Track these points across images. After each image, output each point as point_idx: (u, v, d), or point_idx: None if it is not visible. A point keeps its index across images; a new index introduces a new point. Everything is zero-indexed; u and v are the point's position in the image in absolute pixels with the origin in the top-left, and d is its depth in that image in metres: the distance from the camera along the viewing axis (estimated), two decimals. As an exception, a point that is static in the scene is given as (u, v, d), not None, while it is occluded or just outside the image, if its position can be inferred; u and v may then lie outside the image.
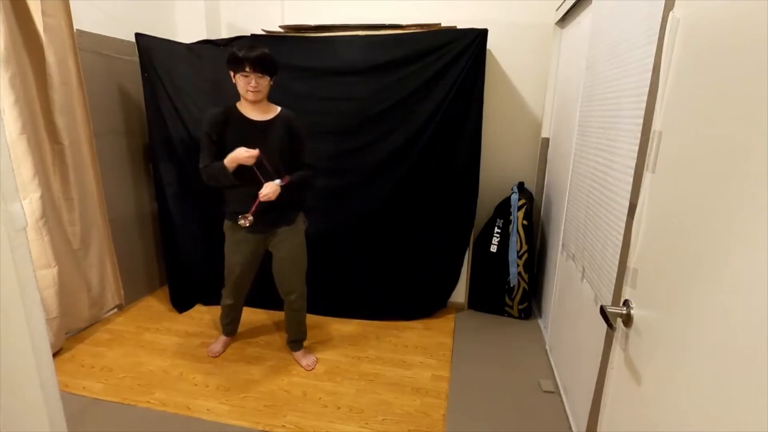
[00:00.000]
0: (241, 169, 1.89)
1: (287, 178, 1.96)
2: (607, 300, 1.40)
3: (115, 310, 2.77)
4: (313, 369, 2.24)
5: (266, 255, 2.17)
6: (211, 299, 2.77)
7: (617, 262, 1.29)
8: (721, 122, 0.71)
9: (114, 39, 2.62)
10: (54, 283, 2.21)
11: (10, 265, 0.95)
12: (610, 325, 1.03)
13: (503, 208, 2.74)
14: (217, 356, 2.32)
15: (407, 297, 2.75)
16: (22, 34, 2.09)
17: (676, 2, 0.94)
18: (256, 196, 1.92)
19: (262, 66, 1.86)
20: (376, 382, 2.15)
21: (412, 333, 2.61)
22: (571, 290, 1.97)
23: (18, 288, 0.97)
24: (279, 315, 2.43)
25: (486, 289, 2.80)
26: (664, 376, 0.84)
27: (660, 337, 0.86)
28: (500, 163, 2.94)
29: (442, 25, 2.54)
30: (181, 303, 2.83)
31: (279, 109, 2.02)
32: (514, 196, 2.69)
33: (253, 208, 1.93)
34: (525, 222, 2.66)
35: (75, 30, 2.29)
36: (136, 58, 2.56)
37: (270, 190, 1.91)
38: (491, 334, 2.60)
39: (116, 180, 2.73)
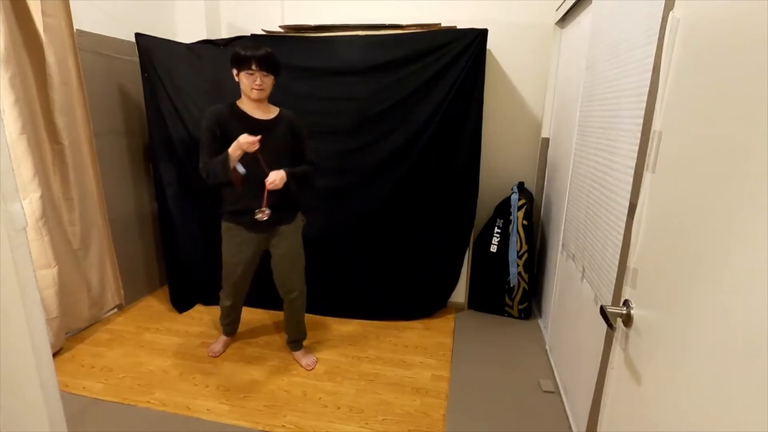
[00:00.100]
0: (242, 162, 1.88)
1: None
2: (607, 300, 1.40)
3: (115, 310, 2.77)
4: (313, 369, 2.24)
5: (264, 254, 2.17)
6: (211, 299, 2.77)
7: (617, 262, 1.29)
8: (721, 122, 0.71)
9: (114, 39, 2.62)
10: (54, 283, 2.21)
11: (10, 265, 0.95)
12: (610, 325, 1.03)
13: (503, 208, 2.74)
14: (217, 356, 2.32)
15: (407, 297, 2.75)
16: (22, 34, 2.09)
17: (676, 2, 0.94)
18: (255, 194, 1.92)
19: (267, 64, 1.88)
20: (376, 382, 2.16)
21: (412, 333, 2.61)
22: (571, 290, 1.97)
23: (18, 288, 0.97)
24: (279, 315, 2.43)
25: (486, 289, 2.80)
26: (664, 376, 0.84)
27: (660, 337, 0.86)
28: (500, 163, 2.94)
29: (442, 25, 2.54)
30: (181, 303, 2.83)
31: (278, 109, 2.02)
32: (514, 196, 2.69)
33: (265, 201, 1.92)
34: (525, 222, 2.66)
35: (75, 30, 2.29)
36: (136, 58, 2.56)
37: (277, 177, 1.90)
38: (491, 334, 2.60)
39: (116, 180, 2.73)
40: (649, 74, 1.14)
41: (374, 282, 2.74)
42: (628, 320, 1.00)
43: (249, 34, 2.68)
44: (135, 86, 2.69)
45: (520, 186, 2.79)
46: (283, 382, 2.14)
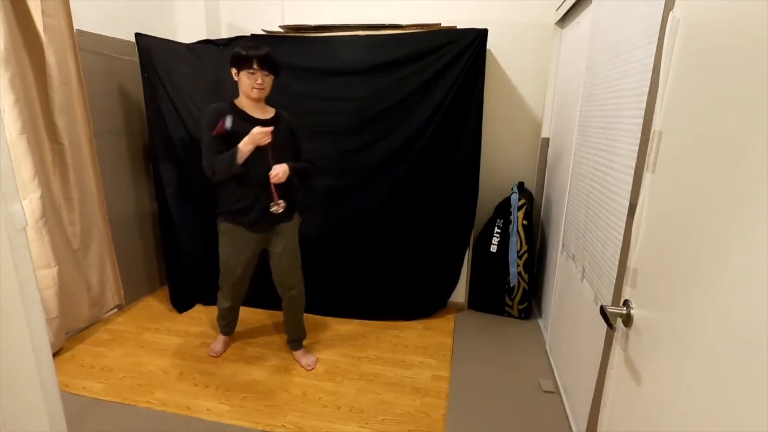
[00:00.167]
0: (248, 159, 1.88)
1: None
2: (607, 300, 1.40)
3: (115, 310, 2.77)
4: (313, 369, 2.24)
5: (260, 254, 2.17)
6: (211, 299, 2.77)
7: (617, 262, 1.29)
8: (721, 122, 0.71)
9: (114, 39, 2.62)
10: (54, 283, 2.21)
11: (10, 265, 0.95)
12: (610, 325, 1.03)
13: (503, 208, 2.74)
14: (218, 356, 2.32)
15: (407, 297, 2.75)
16: (22, 34, 2.09)
17: (676, 2, 0.94)
18: (257, 194, 1.94)
19: (268, 64, 1.89)
20: (376, 382, 2.16)
21: (412, 333, 2.61)
22: (571, 290, 1.97)
23: (18, 288, 0.97)
24: (279, 315, 2.42)
25: (486, 289, 2.80)
26: (664, 376, 0.84)
27: (660, 337, 0.86)
28: (500, 163, 2.94)
29: (442, 25, 2.54)
30: (181, 303, 2.83)
31: (274, 109, 2.04)
32: (514, 196, 2.69)
33: (275, 193, 1.94)
34: (525, 222, 2.66)
35: (75, 30, 2.29)
36: (136, 58, 2.56)
37: (280, 170, 1.91)
38: (491, 334, 2.60)
39: (116, 180, 2.73)
40: (649, 74, 1.14)
41: (374, 282, 2.74)
42: (628, 320, 1.00)
43: (249, 34, 2.68)
44: (135, 86, 2.69)
45: (520, 186, 2.79)
46: (283, 382, 2.14)
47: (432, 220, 2.65)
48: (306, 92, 2.54)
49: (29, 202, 2.08)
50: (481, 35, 2.39)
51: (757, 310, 0.59)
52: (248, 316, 2.75)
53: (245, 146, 1.84)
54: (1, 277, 0.95)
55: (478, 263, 2.81)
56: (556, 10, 2.58)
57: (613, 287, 1.24)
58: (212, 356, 2.32)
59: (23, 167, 2.05)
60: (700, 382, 0.72)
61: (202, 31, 2.94)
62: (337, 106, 2.54)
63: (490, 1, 2.74)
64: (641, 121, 1.18)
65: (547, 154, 2.79)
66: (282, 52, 2.54)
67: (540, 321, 2.72)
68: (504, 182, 2.89)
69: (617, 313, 1.02)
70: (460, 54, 2.40)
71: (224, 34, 3.01)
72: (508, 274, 2.69)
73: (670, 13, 0.93)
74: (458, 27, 2.47)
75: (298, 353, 2.31)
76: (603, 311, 1.02)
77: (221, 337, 2.38)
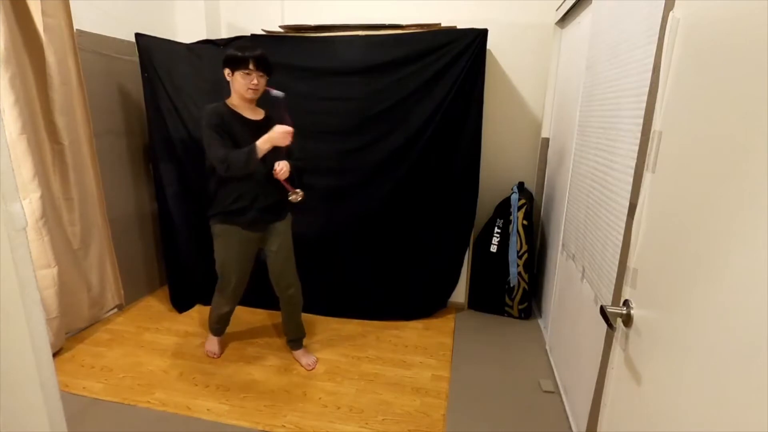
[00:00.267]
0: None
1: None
2: (607, 300, 1.40)
3: (115, 310, 2.77)
4: (313, 368, 2.24)
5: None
6: (211, 299, 2.76)
7: (617, 262, 1.29)
8: (721, 122, 0.71)
9: (114, 39, 2.62)
10: (54, 283, 2.21)
11: (10, 265, 0.95)
12: (610, 325, 1.03)
13: (503, 208, 2.74)
14: (217, 356, 2.32)
15: (407, 297, 2.75)
16: (22, 34, 2.09)
17: (676, 2, 0.94)
18: (257, 193, 1.96)
19: (263, 65, 1.90)
20: (376, 382, 2.16)
21: (412, 333, 2.61)
22: (571, 290, 1.97)
23: (18, 288, 0.97)
24: (278, 315, 2.42)
25: (486, 289, 2.80)
26: (664, 376, 0.84)
27: (660, 337, 0.86)
28: (500, 163, 2.94)
29: (442, 25, 2.54)
30: (181, 303, 2.83)
31: (263, 110, 2.04)
32: (514, 196, 2.69)
33: (288, 185, 1.99)
34: (525, 222, 2.66)
35: (75, 30, 2.29)
36: (136, 58, 2.56)
37: (283, 165, 1.93)
38: (491, 334, 2.60)
39: (116, 180, 2.73)
40: (649, 74, 1.14)
41: (374, 282, 2.74)
42: (628, 320, 1.00)
43: (249, 34, 2.68)
44: (135, 86, 2.69)
45: (520, 186, 2.79)
46: (283, 382, 2.14)
47: (432, 220, 2.65)
48: (306, 92, 2.54)
49: (29, 202, 2.08)
50: (481, 35, 2.39)
51: (757, 310, 0.59)
52: (248, 316, 2.75)
53: (264, 144, 1.84)
54: (1, 277, 0.95)
55: (478, 263, 2.81)
56: (556, 10, 2.58)
57: (613, 287, 1.24)
58: (212, 357, 2.31)
59: (23, 167, 2.05)
60: (700, 382, 0.72)
61: (202, 31, 2.94)
62: (337, 106, 2.54)
63: (490, 1, 2.74)
64: (641, 121, 1.18)
65: (547, 154, 2.79)
66: (282, 52, 2.55)
67: (540, 321, 2.72)
68: (504, 182, 2.89)
69: (617, 313, 1.02)
70: (460, 54, 2.40)
71: (224, 34, 3.01)
72: (508, 274, 2.69)
73: (670, 13, 0.93)
74: (458, 27, 2.47)
75: (298, 353, 2.31)
76: (603, 311, 1.02)
77: (215, 338, 2.36)
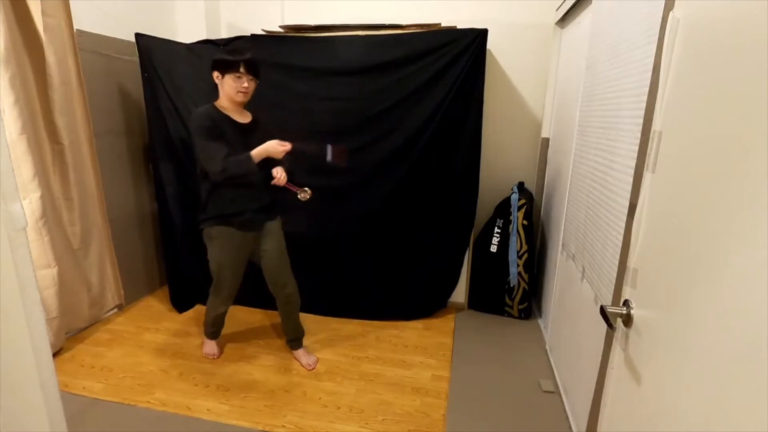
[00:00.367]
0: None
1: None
2: (607, 300, 1.40)
3: (115, 310, 2.77)
4: (314, 368, 2.24)
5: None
6: (211, 299, 2.77)
7: (617, 262, 1.29)
8: (721, 122, 0.71)
9: (114, 39, 2.62)
10: (54, 283, 2.21)
11: (10, 265, 0.95)
12: (610, 325, 1.03)
13: (503, 208, 2.74)
14: (217, 357, 2.32)
15: (407, 297, 2.75)
16: (22, 34, 2.09)
17: (676, 2, 0.94)
18: (253, 196, 1.99)
19: (254, 69, 1.92)
20: (376, 382, 2.16)
21: (412, 333, 2.61)
22: (571, 290, 1.97)
23: (18, 288, 0.97)
24: (278, 315, 2.42)
25: (486, 289, 2.80)
26: (664, 376, 0.84)
27: (660, 337, 0.86)
28: (500, 163, 2.94)
29: (442, 25, 2.54)
30: (181, 303, 2.83)
31: (251, 114, 2.05)
32: (514, 196, 2.69)
33: (293, 187, 2.02)
34: (525, 222, 2.66)
35: (75, 30, 2.29)
36: (136, 58, 2.56)
37: (280, 171, 1.98)
38: (491, 334, 2.60)
39: (116, 180, 2.73)
40: (649, 74, 1.14)
41: (374, 282, 2.74)
42: (628, 320, 1.00)
43: (249, 34, 2.68)
44: (135, 86, 2.69)
45: (520, 186, 2.79)
46: (283, 382, 2.14)
47: (432, 220, 2.65)
48: (306, 92, 2.54)
49: (29, 202, 2.08)
50: (481, 35, 2.39)
51: (757, 310, 0.59)
52: (247, 316, 2.75)
53: (258, 156, 1.88)
54: (1, 277, 0.95)
55: (478, 263, 2.81)
56: (556, 10, 2.58)
57: (613, 287, 1.24)
58: (211, 359, 2.31)
59: (23, 167, 2.05)
60: (700, 382, 0.72)
61: (202, 31, 2.94)
62: (337, 106, 2.54)
63: (490, 1, 2.74)
64: (641, 121, 1.18)
65: (547, 154, 2.79)
66: (282, 52, 2.56)
67: (540, 321, 2.72)
68: (504, 182, 2.89)
69: (617, 313, 1.02)
70: (460, 54, 2.40)
71: (224, 34, 3.01)
72: (508, 274, 2.69)
73: (670, 13, 0.93)
74: (458, 27, 2.47)
75: (298, 352, 2.31)
76: (603, 311, 1.02)
77: (211, 341, 2.36)
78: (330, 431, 1.84)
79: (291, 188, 2.02)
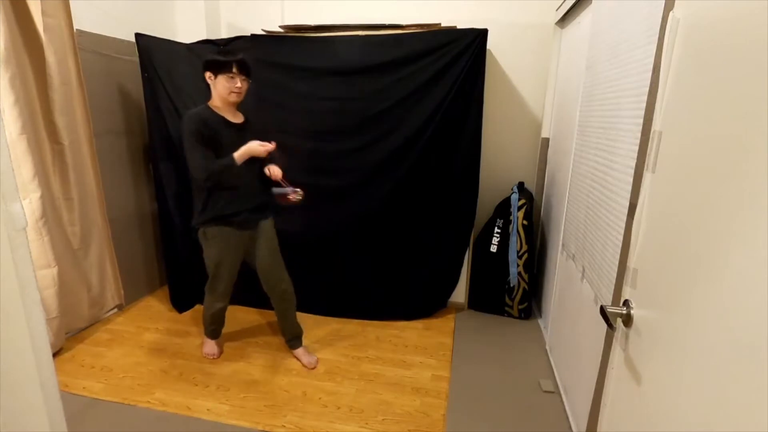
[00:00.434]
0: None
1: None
2: (607, 300, 1.40)
3: (115, 310, 2.77)
4: (315, 368, 2.24)
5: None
6: (211, 299, 2.77)
7: (617, 262, 1.29)
8: (721, 122, 0.71)
9: (114, 39, 2.62)
10: (54, 283, 2.21)
11: (10, 265, 0.95)
12: (610, 325, 1.03)
13: (503, 208, 2.74)
14: (217, 357, 2.32)
15: (407, 297, 2.75)
16: (22, 34, 2.09)
17: (676, 2, 0.94)
18: (248, 196, 2.02)
19: (246, 69, 1.94)
20: (376, 382, 2.16)
21: (412, 333, 2.61)
22: (571, 290, 1.97)
23: (18, 288, 0.97)
24: (279, 315, 2.42)
25: (486, 289, 2.80)
26: (664, 376, 0.84)
27: (660, 337, 0.86)
28: (500, 163, 2.94)
29: (442, 25, 2.54)
30: (181, 303, 2.83)
31: (242, 114, 2.07)
32: (514, 196, 2.69)
33: (288, 184, 2.05)
34: (525, 222, 2.66)
35: (75, 30, 2.29)
36: (136, 58, 2.56)
37: (276, 169, 2.03)
38: (491, 334, 2.60)
39: (116, 180, 2.73)
40: (649, 74, 1.14)
41: (374, 282, 2.74)
42: (628, 320, 1.00)
43: (249, 34, 2.68)
44: (135, 86, 2.69)
45: (520, 186, 2.79)
46: (283, 382, 2.14)
47: (432, 220, 2.65)
48: (306, 92, 2.54)
49: (29, 202, 2.08)
50: (481, 35, 2.39)
51: (757, 310, 0.59)
52: (247, 316, 2.75)
53: (241, 157, 1.92)
54: (1, 277, 0.95)
55: (478, 263, 2.81)
56: (556, 10, 2.58)
57: (613, 287, 1.24)
58: (211, 358, 2.31)
59: (23, 167, 2.05)
60: (700, 382, 0.72)
61: (202, 31, 2.94)
62: (337, 106, 2.54)
63: (490, 1, 2.74)
64: (641, 121, 1.18)
65: (547, 154, 2.79)
66: (282, 52, 2.56)
67: (540, 321, 2.72)
68: (504, 182, 2.89)
69: (617, 313, 1.02)
70: (460, 54, 2.40)
71: (224, 34, 3.01)
72: (508, 274, 2.69)
73: (670, 13, 0.93)
74: (458, 27, 2.46)
75: (298, 352, 2.31)
76: (603, 311, 1.02)
77: (211, 341, 2.36)
78: (330, 431, 1.84)
79: (284, 184, 2.04)
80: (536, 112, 2.86)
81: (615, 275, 1.25)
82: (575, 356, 1.83)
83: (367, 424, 1.88)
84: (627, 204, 1.24)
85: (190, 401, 1.99)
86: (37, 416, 1.06)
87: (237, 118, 2.03)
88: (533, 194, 2.85)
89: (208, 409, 1.94)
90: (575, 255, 1.94)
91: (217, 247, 2.06)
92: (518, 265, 2.67)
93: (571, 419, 1.85)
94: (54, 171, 2.30)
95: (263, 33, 2.71)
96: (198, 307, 2.86)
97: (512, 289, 2.71)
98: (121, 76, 2.70)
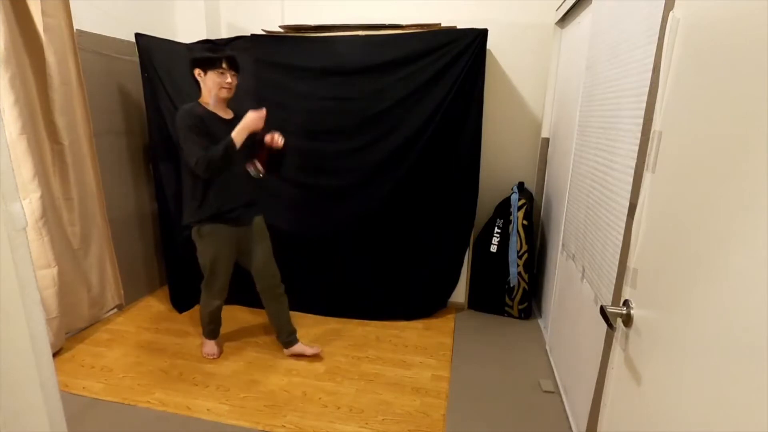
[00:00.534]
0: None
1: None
2: (607, 300, 1.40)
3: (115, 310, 2.77)
4: (321, 351, 2.31)
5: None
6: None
7: (617, 262, 1.29)
8: (721, 122, 0.71)
9: (114, 39, 2.62)
10: (54, 283, 2.21)
11: (10, 265, 0.95)
12: (610, 325, 1.03)
13: (503, 208, 2.74)
14: (217, 357, 2.32)
15: (407, 297, 2.75)
16: (22, 34, 2.09)
17: (676, 2, 0.94)
18: (242, 192, 2.04)
19: (235, 64, 1.96)
20: (376, 382, 2.15)
21: (412, 333, 2.61)
22: (571, 290, 1.97)
23: (18, 288, 0.97)
24: (279, 315, 2.42)
25: (486, 289, 2.80)
26: (664, 376, 0.84)
27: (660, 337, 0.86)
28: (500, 163, 2.94)
29: (442, 25, 2.54)
30: (181, 303, 2.83)
31: (231, 111, 2.07)
32: (514, 196, 2.69)
33: (264, 156, 2.02)
34: (525, 222, 2.66)
35: (75, 30, 2.29)
36: (136, 58, 2.56)
37: (275, 135, 2.01)
38: (491, 334, 2.60)
39: (116, 180, 2.73)
40: (649, 74, 1.14)
41: (374, 282, 2.74)
42: (628, 320, 1.00)
43: (249, 34, 2.68)
44: (135, 86, 2.69)
45: (520, 186, 2.79)
46: (283, 382, 2.14)
47: (432, 220, 2.65)
48: (306, 92, 2.54)
49: (29, 202, 2.08)
50: (481, 35, 2.39)
51: (757, 310, 0.59)
52: (247, 316, 2.75)
53: (239, 134, 1.89)
54: (1, 277, 0.95)
55: (478, 263, 2.81)
56: (556, 10, 2.58)
57: (613, 287, 1.24)
58: (211, 358, 2.31)
59: (23, 167, 2.05)
60: (700, 382, 0.72)
61: (202, 31, 2.94)
62: (337, 106, 2.54)
63: (490, 1, 2.74)
64: (641, 121, 1.18)
65: (547, 154, 2.79)
66: (282, 52, 2.56)
67: (540, 321, 2.72)
68: (504, 182, 2.89)
69: (617, 313, 1.02)
70: (460, 54, 2.40)
71: (224, 34, 3.01)
72: (508, 274, 2.69)
73: (670, 13, 0.93)
74: (458, 27, 2.47)
75: (298, 347, 2.31)
76: (603, 311, 1.02)
77: (211, 341, 2.36)
78: (330, 431, 1.84)
79: (263, 155, 2.01)
80: (536, 112, 2.86)
81: (615, 275, 1.25)
82: (575, 356, 1.83)
83: (367, 424, 1.88)
84: (627, 204, 1.24)
85: (190, 401, 1.99)
86: (37, 416, 1.06)
87: (228, 114, 2.04)
88: (533, 194, 2.85)
89: (208, 409, 1.94)
90: (575, 255, 1.94)
91: (212, 244, 2.07)
92: (518, 265, 2.67)
93: (571, 419, 1.85)
94: (54, 171, 2.30)
95: (263, 33, 2.71)
96: (198, 307, 2.85)
97: (512, 289, 2.71)
98: (121, 76, 2.70)
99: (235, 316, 2.70)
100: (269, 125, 2.02)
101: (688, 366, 0.76)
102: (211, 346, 2.34)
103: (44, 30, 2.12)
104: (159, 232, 2.91)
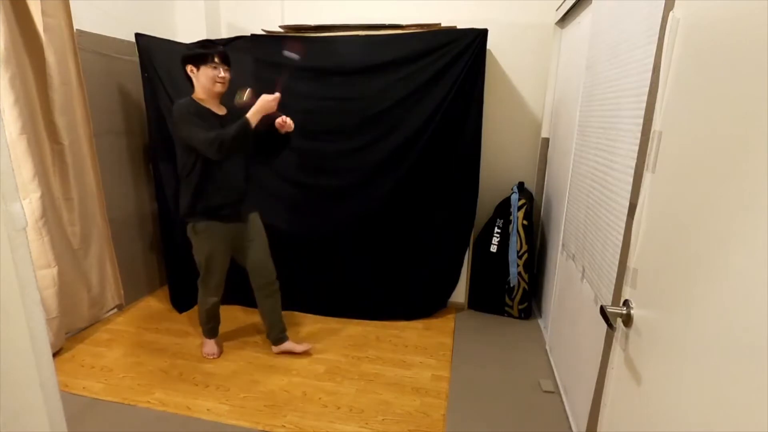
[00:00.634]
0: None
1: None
2: (607, 300, 1.40)
3: (115, 310, 2.77)
4: (311, 348, 2.32)
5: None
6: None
7: (617, 262, 1.29)
8: (721, 122, 0.71)
9: (114, 39, 2.62)
10: (54, 283, 2.21)
11: (10, 265, 0.95)
12: (610, 325, 1.03)
13: (503, 208, 2.74)
14: (217, 356, 2.32)
15: (407, 297, 2.75)
16: (22, 34, 2.09)
17: (676, 2, 0.94)
18: (235, 187, 2.05)
19: (227, 59, 1.97)
20: (376, 382, 2.15)
21: (412, 333, 2.61)
22: (571, 290, 1.97)
23: (18, 288, 0.97)
24: (279, 315, 2.42)
25: (486, 289, 2.80)
26: (664, 376, 0.84)
27: (660, 337, 0.86)
28: (500, 163, 2.94)
29: (442, 25, 2.54)
30: (181, 303, 2.83)
31: (224, 107, 2.08)
32: (514, 196, 2.69)
33: (251, 99, 1.98)
34: (525, 222, 2.66)
35: (75, 30, 2.29)
36: (136, 58, 2.56)
37: (287, 118, 2.04)
38: (491, 334, 2.60)
39: (116, 180, 2.73)
40: (649, 74, 1.14)
41: (374, 282, 2.74)
42: (628, 320, 1.00)
43: (249, 34, 2.68)
44: (135, 86, 2.69)
45: (520, 186, 2.79)
46: (283, 382, 2.14)
47: (432, 220, 2.65)
48: (306, 92, 2.54)
49: (29, 202, 2.08)
50: (481, 35, 2.39)
51: (757, 310, 0.59)
52: (246, 316, 2.75)
53: (254, 116, 1.90)
54: (1, 277, 0.95)
55: (478, 263, 2.81)
56: (556, 10, 2.58)
57: (613, 287, 1.24)
58: (211, 358, 2.31)
59: (23, 167, 2.05)
60: (700, 382, 0.72)
61: (202, 31, 2.94)
62: (337, 106, 2.55)
63: (490, 1, 2.74)
64: (641, 121, 1.18)
65: (547, 154, 2.79)
66: (282, 52, 2.55)
67: (540, 321, 2.72)
68: (504, 182, 2.89)
69: (617, 313, 1.02)
70: (460, 54, 2.40)
71: (224, 34, 3.01)
72: (508, 274, 2.69)
73: (670, 13, 0.93)
74: (458, 27, 2.47)
75: (288, 344, 2.31)
76: (603, 311, 1.02)
77: (211, 341, 2.36)
78: (330, 431, 1.84)
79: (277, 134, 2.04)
80: (536, 112, 2.86)
81: (615, 275, 1.25)
82: (575, 356, 1.83)
83: (367, 424, 1.88)
84: (627, 204, 1.24)
85: (190, 401, 1.99)
86: (37, 416, 1.06)
87: (221, 110, 2.04)
88: (533, 194, 2.85)
89: (208, 409, 1.94)
90: (575, 255, 1.94)
91: (206, 241, 2.08)
92: (518, 265, 2.67)
93: (571, 419, 1.85)
94: (54, 171, 2.30)
95: (263, 33, 2.71)
96: (198, 307, 2.86)
97: (512, 289, 2.71)
98: (121, 76, 2.70)
99: (235, 317, 2.70)
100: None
101: (688, 366, 0.76)
102: (211, 346, 2.34)
103: (44, 30, 2.12)
104: (159, 232, 2.91)
